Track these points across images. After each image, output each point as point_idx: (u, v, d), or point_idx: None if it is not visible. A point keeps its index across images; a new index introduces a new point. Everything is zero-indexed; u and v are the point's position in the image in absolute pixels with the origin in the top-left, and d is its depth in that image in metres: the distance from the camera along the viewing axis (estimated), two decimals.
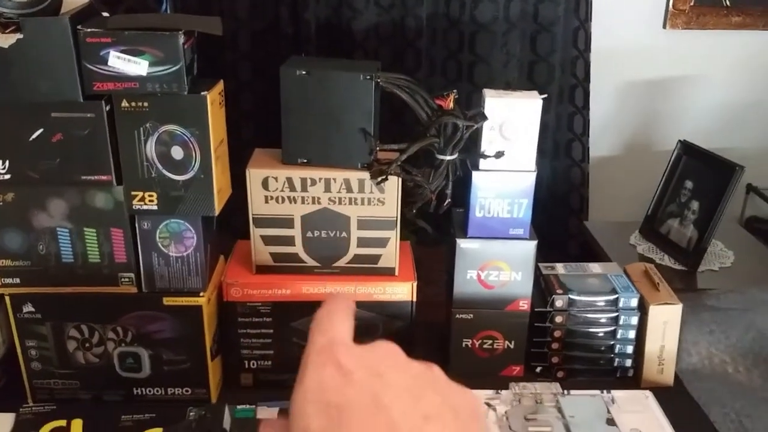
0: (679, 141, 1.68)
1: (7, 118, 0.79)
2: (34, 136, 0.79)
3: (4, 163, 0.81)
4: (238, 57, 1.42)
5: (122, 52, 0.76)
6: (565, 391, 0.89)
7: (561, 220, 1.94)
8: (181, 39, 0.76)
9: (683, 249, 1.63)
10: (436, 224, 1.01)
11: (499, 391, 0.89)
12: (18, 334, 0.89)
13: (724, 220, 1.61)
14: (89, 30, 0.75)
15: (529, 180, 0.91)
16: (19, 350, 0.90)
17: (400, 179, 0.88)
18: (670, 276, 1.47)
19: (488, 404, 0.86)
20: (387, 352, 0.38)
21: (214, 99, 0.82)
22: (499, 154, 0.88)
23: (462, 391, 0.37)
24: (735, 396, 1.26)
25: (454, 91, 0.87)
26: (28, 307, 0.88)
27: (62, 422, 0.88)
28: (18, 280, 0.86)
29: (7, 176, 0.81)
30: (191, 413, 0.89)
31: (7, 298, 0.87)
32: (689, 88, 1.91)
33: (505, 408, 0.85)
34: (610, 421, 0.83)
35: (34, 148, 0.80)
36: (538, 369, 0.99)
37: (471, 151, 0.91)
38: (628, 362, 0.99)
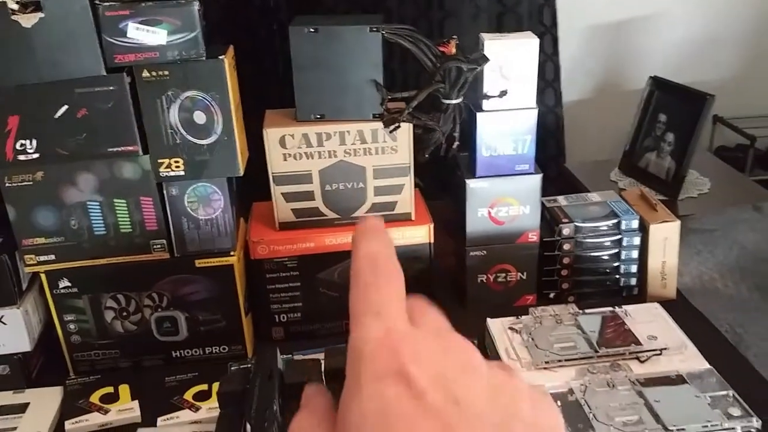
0: (651, 77, 1.75)
1: (32, 97, 0.81)
2: (59, 113, 0.82)
3: (31, 142, 0.83)
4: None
5: (140, 23, 0.78)
6: (581, 311, 0.95)
7: (540, 165, 2.01)
8: (197, 6, 0.79)
9: (663, 180, 1.71)
10: (424, 178, 1.05)
11: (520, 316, 0.95)
12: (56, 309, 0.92)
13: (696, 150, 1.69)
14: (107, 4, 0.77)
15: (532, 116, 0.96)
16: (58, 325, 0.93)
17: (411, 126, 0.92)
18: None
19: (512, 329, 0.92)
20: (460, 353, 0.30)
21: (230, 63, 0.85)
22: (503, 93, 0.93)
23: (547, 406, 0.31)
24: (727, 309, 1.35)
25: (455, 36, 0.91)
26: (64, 282, 0.91)
27: (110, 389, 0.91)
28: (53, 257, 0.89)
29: (36, 155, 0.83)
30: (232, 368, 0.93)
31: (42, 276, 0.90)
32: (655, 26, 1.98)
33: (529, 330, 0.91)
34: (627, 331, 0.90)
35: (61, 125, 0.82)
36: (551, 295, 1.05)
37: (473, 95, 0.96)
38: (633, 281, 1.05)
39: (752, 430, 0.75)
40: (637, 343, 0.88)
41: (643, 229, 1.03)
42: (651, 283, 1.04)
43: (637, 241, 1.03)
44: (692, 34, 1.99)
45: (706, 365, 0.85)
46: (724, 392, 0.79)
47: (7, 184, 0.85)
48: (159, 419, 0.87)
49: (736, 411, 0.76)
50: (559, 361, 0.86)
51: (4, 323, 0.90)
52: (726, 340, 0.99)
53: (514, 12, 2.01)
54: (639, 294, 1.06)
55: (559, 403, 0.80)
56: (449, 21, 1.97)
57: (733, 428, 0.75)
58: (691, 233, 1.46)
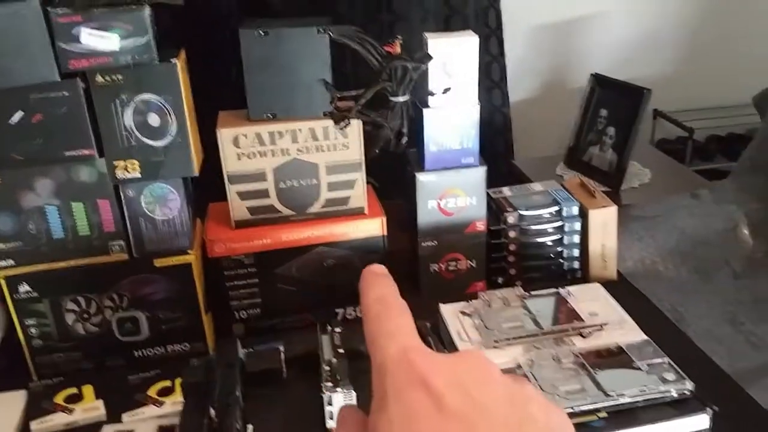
0: (592, 74, 1.82)
1: None
2: (15, 119, 0.83)
3: None
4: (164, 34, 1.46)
5: (93, 29, 0.81)
6: (528, 293, 1.00)
7: (489, 163, 2.07)
8: (148, 11, 0.82)
9: (606, 172, 1.79)
10: (378, 178, 1.09)
11: (470, 301, 0.99)
12: (17, 314, 0.93)
13: (638, 142, 1.77)
14: (59, 10, 0.80)
15: (475, 112, 1.01)
16: (19, 330, 0.94)
17: (360, 123, 0.96)
18: None
19: (463, 312, 0.97)
20: (474, 363, 0.33)
21: (182, 66, 0.88)
22: (446, 90, 0.98)
23: (558, 412, 0.33)
24: (668, 290, 1.42)
25: (400, 37, 0.95)
26: (25, 287, 0.92)
27: (73, 389, 0.93)
28: (12, 262, 0.90)
29: None
30: (195, 363, 0.96)
31: (2, 281, 0.91)
32: (596, 25, 2.07)
33: (479, 313, 0.96)
34: (570, 309, 0.95)
35: (16, 131, 0.84)
36: (500, 280, 1.10)
37: (419, 92, 1.01)
38: (576, 264, 1.11)
39: (686, 392, 0.81)
40: (580, 319, 0.93)
41: (583, 215, 1.08)
42: (592, 265, 1.10)
43: (577, 226, 1.09)
44: (632, 32, 2.08)
45: (644, 337, 0.90)
46: (659, 360, 0.85)
47: None
48: (124, 415, 0.89)
49: (670, 376, 0.82)
50: (508, 339, 0.91)
51: None
52: (664, 316, 1.05)
53: (461, 14, 2.08)
54: (582, 276, 1.12)
55: None
56: (399, 24, 2.02)
57: (668, 391, 0.80)
58: (634, 220, 1.53)
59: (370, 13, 1.98)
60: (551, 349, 0.88)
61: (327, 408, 0.71)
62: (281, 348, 0.89)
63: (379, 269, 0.38)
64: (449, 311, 0.98)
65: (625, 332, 0.92)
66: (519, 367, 0.86)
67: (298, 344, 0.87)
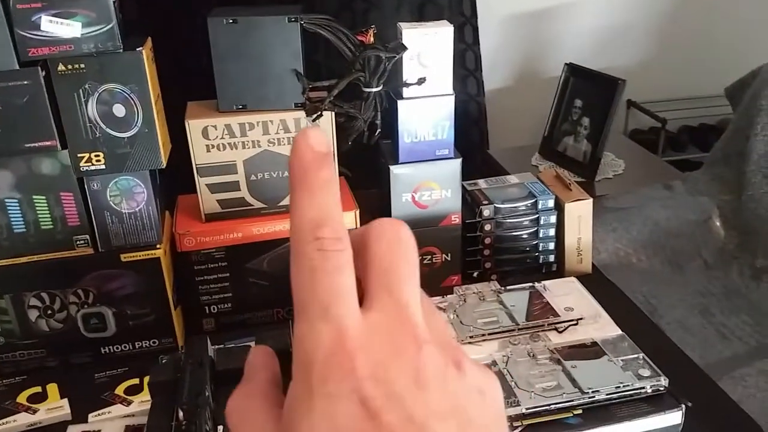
0: (566, 64, 1.82)
1: None
2: None
3: None
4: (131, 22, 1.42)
5: (54, 15, 0.77)
6: (503, 287, 0.99)
7: (464, 153, 2.06)
8: None
9: (580, 162, 1.78)
10: (352, 167, 1.07)
11: (445, 296, 0.98)
12: None
13: (612, 133, 1.77)
14: None
15: (449, 103, 0.99)
16: None
17: (333, 115, 0.94)
18: None
19: (438, 307, 0.95)
20: (424, 360, 0.28)
21: (148, 55, 0.85)
22: (421, 81, 0.96)
23: (496, 401, 0.30)
24: (642, 282, 1.43)
25: (373, 26, 0.93)
26: None
27: (37, 388, 0.90)
28: None
29: None
30: (163, 360, 0.93)
31: None
32: (570, 14, 2.06)
33: (454, 308, 0.94)
34: (546, 304, 0.95)
35: None
36: (475, 274, 1.09)
37: (393, 83, 0.99)
38: (551, 257, 1.11)
39: (660, 388, 0.80)
40: (555, 314, 0.93)
41: (559, 208, 1.08)
42: (568, 258, 1.10)
43: (553, 219, 1.08)
44: (606, 21, 2.08)
45: (619, 332, 0.90)
46: (634, 355, 0.85)
47: None
48: (90, 415, 0.86)
49: (645, 372, 0.82)
50: (483, 335, 0.90)
51: None
52: (638, 309, 1.05)
53: (435, 3, 2.06)
54: (557, 270, 1.12)
55: None
56: (372, 13, 2.00)
57: (643, 387, 0.80)
58: (607, 212, 1.53)
59: (345, 2, 1.95)
60: (527, 345, 0.87)
61: None
62: (251, 346, 0.87)
63: (318, 142, 0.30)
64: None
65: (601, 327, 0.91)
66: (494, 363, 0.85)
67: (269, 341, 0.85)
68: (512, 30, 2.08)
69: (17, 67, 0.79)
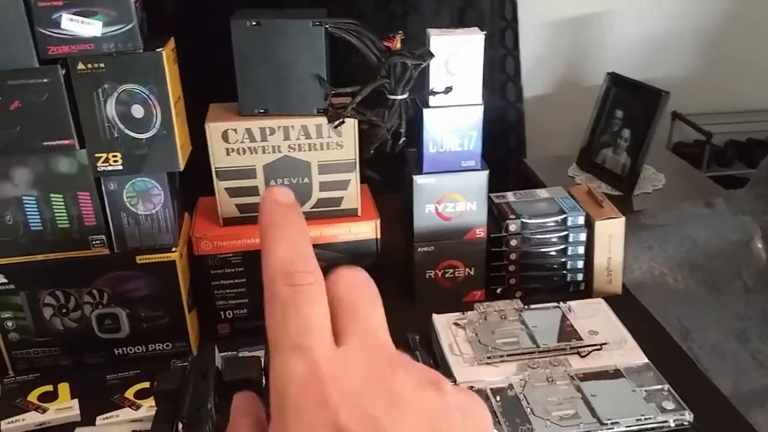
0: (608, 73, 1.76)
1: None
2: None
3: None
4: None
5: (75, 14, 0.77)
6: (526, 306, 0.96)
7: (500, 160, 2.02)
8: None
9: (618, 175, 1.73)
10: (382, 172, 1.05)
11: (465, 312, 0.95)
12: None
13: (654, 146, 1.71)
14: None
15: (477, 113, 0.96)
16: None
17: (356, 122, 0.92)
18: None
19: (457, 324, 0.92)
20: (399, 381, 0.28)
21: (168, 55, 0.83)
22: (447, 90, 0.93)
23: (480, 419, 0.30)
24: (676, 303, 1.37)
25: (400, 32, 0.90)
26: (1, 279, 0.89)
27: (49, 387, 0.90)
28: None
29: None
30: (177, 364, 0.92)
31: None
32: (615, 21, 2.00)
33: (473, 326, 0.91)
34: (569, 326, 0.91)
35: None
36: (498, 291, 1.05)
37: (420, 90, 0.96)
38: (580, 276, 1.06)
39: (685, 422, 0.76)
40: (578, 338, 0.89)
41: (589, 226, 1.03)
42: (597, 278, 1.05)
43: (582, 237, 1.04)
44: (652, 30, 2.01)
45: (644, 359, 0.86)
46: (659, 386, 0.80)
47: None
48: (98, 418, 0.85)
49: (669, 404, 0.77)
50: (501, 356, 0.86)
51: None
52: (668, 334, 1.00)
53: (476, 7, 2.02)
54: (585, 289, 1.07)
55: (498, 398, 0.80)
56: (411, 16, 1.97)
57: (665, 421, 0.76)
58: (644, 228, 1.47)
59: (382, 4, 1.93)
60: (546, 369, 0.84)
61: None
62: (261, 356, 0.85)
63: (283, 196, 0.31)
64: (442, 322, 0.94)
65: (626, 353, 0.87)
66: (511, 387, 0.81)
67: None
68: (554, 36, 2.03)
69: (37, 65, 0.78)
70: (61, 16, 0.76)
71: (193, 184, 1.00)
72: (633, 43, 2.04)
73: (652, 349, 0.89)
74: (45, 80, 0.80)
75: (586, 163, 1.82)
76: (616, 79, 1.75)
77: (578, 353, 0.87)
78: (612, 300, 1.02)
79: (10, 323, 0.91)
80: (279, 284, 0.29)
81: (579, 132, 1.88)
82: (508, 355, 0.86)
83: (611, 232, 1.03)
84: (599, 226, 1.02)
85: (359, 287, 0.31)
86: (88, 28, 0.78)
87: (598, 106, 1.79)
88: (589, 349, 0.87)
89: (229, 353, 0.94)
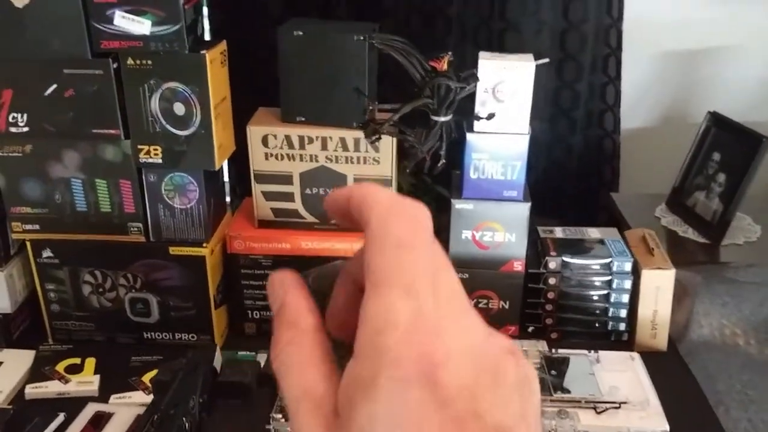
0: (709, 112, 1.64)
1: (24, 74, 0.85)
2: (48, 91, 0.85)
3: (22, 116, 0.87)
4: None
5: (127, 11, 0.80)
6: (552, 350, 0.91)
7: (592, 191, 1.93)
8: (182, 0, 0.80)
9: (708, 222, 1.60)
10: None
11: None
12: (39, 277, 0.96)
13: (755, 194, 1.58)
14: None
15: (523, 143, 0.92)
16: (40, 293, 0.97)
17: (394, 139, 0.91)
18: (694, 249, 1.46)
19: None
20: (489, 353, 0.26)
21: (214, 58, 0.86)
22: (490, 116, 0.90)
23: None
24: (743, 368, 1.25)
25: (449, 53, 0.88)
26: (47, 252, 0.95)
27: (77, 360, 0.95)
28: (37, 227, 0.93)
29: (26, 129, 0.87)
30: (189, 356, 0.95)
31: (28, 244, 0.94)
32: (726, 59, 1.86)
33: None
34: (591, 378, 0.85)
35: (49, 103, 0.86)
36: (530, 329, 1.01)
37: (468, 114, 0.93)
38: (622, 326, 1.00)
39: None
40: (597, 392, 0.83)
41: (637, 274, 0.97)
42: (640, 331, 0.98)
43: (628, 284, 0.97)
44: (763, 71, 1.86)
45: (665, 427, 0.79)
46: None
47: None
48: (113, 396, 0.89)
49: None
50: None
51: None
52: (706, 403, 0.92)
53: (579, 30, 1.94)
54: (628, 341, 1.00)
55: None
56: (509, 34, 1.92)
57: None
58: (722, 282, 1.36)
59: (483, 18, 1.90)
60: (552, 421, 0.79)
61: None
62: (261, 361, 0.86)
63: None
64: None
65: (646, 416, 0.81)
66: None
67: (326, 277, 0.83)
68: (658, 68, 1.92)
69: (89, 57, 0.83)
70: (114, 12, 0.81)
71: (247, 183, 1.02)
72: (742, 83, 1.90)
73: (680, 417, 0.82)
74: (97, 72, 0.84)
75: (675, 204, 1.71)
76: (717, 119, 1.63)
77: (595, 408, 0.81)
78: (653, 356, 0.95)
79: (52, 294, 0.97)
80: (398, 226, 0.26)
81: (674, 170, 1.77)
82: None
83: (659, 284, 0.96)
84: (646, 275, 0.95)
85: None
86: (138, 26, 0.81)
87: (695, 145, 1.67)
88: (607, 405, 0.81)
89: (247, 352, 0.96)
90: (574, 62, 1.76)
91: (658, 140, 2.00)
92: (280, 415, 0.66)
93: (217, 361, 0.82)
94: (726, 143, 1.59)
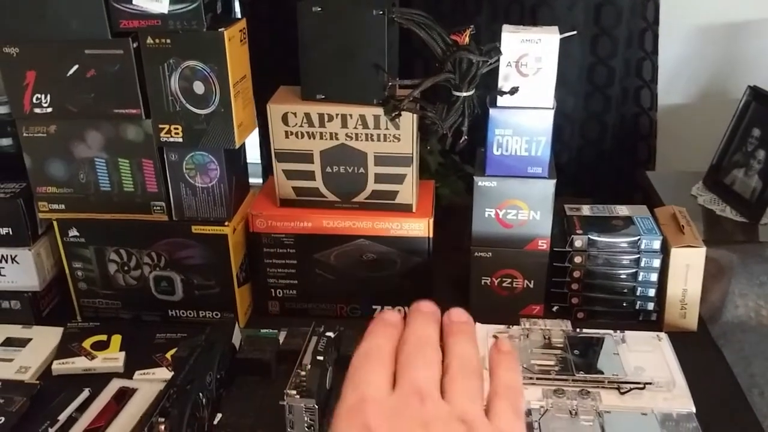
0: (749, 86, 1.59)
1: (46, 55, 0.85)
2: (71, 71, 0.86)
3: (46, 97, 0.88)
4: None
5: None
6: (576, 329, 0.89)
7: (628, 169, 1.89)
8: None
9: (746, 200, 1.55)
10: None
11: (510, 326, 0.90)
12: (66, 256, 0.98)
13: None
14: None
15: (548, 117, 0.90)
16: (67, 271, 0.99)
17: (414, 116, 0.89)
18: (731, 228, 1.42)
19: (496, 337, 0.88)
20: (422, 405, 0.35)
21: (233, 36, 0.85)
22: (513, 90, 0.88)
23: None
24: None
25: (471, 26, 0.86)
26: (73, 232, 0.96)
27: (103, 337, 0.96)
28: (63, 206, 0.94)
29: (49, 109, 0.88)
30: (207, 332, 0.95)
31: (55, 223, 0.96)
32: (766, 31, 1.79)
33: (512, 342, 0.86)
34: (615, 358, 0.83)
35: (72, 83, 0.86)
36: (555, 308, 0.99)
37: (492, 89, 0.91)
38: (650, 305, 0.97)
39: None
40: (621, 372, 0.81)
41: (666, 252, 0.94)
42: (669, 310, 0.96)
43: (656, 263, 0.95)
44: None
45: (691, 408, 0.77)
46: None
47: (24, 134, 0.90)
48: (137, 372, 0.90)
49: None
50: (531, 378, 0.81)
51: (18, 262, 0.97)
52: (737, 385, 0.89)
53: (614, 4, 1.89)
54: (657, 320, 0.98)
55: None
56: (542, 9, 1.88)
57: None
58: (759, 262, 1.32)
59: None
60: (573, 401, 0.78)
61: (288, 416, 0.67)
62: (280, 338, 0.86)
63: (387, 320, 0.40)
64: (482, 333, 0.89)
65: (672, 397, 0.79)
66: (529, 413, 0.76)
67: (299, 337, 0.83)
68: (697, 42, 1.86)
69: (109, 37, 0.83)
70: None
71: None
72: None
73: (708, 399, 0.80)
74: (118, 51, 0.85)
75: (713, 182, 1.66)
76: (757, 94, 1.58)
77: (618, 389, 0.80)
78: (683, 336, 0.93)
79: (80, 273, 0.99)
80: (357, 357, 0.39)
81: (712, 148, 1.72)
82: (537, 379, 0.81)
83: (689, 261, 0.93)
84: (675, 253, 0.93)
85: (419, 347, 0.40)
86: (157, 4, 0.81)
87: (734, 121, 1.62)
88: (630, 386, 0.79)
89: (270, 330, 0.96)
90: (608, 37, 1.71)
91: (695, 117, 1.94)
92: (294, 391, 0.66)
93: (237, 338, 0.82)
94: (767, 118, 1.53)
